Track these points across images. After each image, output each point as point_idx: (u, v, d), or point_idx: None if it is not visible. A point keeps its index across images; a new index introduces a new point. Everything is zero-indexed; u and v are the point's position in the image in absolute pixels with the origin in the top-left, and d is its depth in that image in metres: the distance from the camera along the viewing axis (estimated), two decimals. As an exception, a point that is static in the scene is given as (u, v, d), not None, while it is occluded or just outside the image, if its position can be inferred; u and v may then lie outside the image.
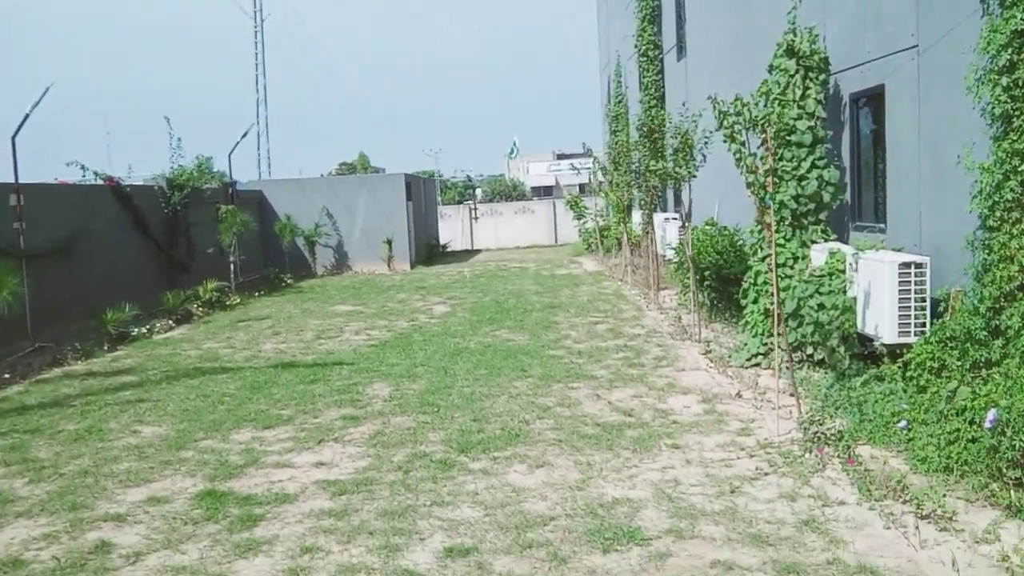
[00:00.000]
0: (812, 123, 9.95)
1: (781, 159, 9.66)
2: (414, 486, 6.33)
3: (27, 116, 13.77)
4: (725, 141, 7.24)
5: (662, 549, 5.00)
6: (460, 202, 47.63)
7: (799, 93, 10.02)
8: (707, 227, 13.78)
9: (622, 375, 9.53)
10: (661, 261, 17.47)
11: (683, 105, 11.54)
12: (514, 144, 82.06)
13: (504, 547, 5.16)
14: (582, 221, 28.24)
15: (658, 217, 18.61)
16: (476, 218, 38.11)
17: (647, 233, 20.99)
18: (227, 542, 5.49)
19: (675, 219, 18.41)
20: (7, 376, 11.06)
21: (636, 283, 17.80)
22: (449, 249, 33.41)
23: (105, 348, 13.08)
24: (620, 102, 27.56)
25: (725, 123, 7.24)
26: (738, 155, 7.18)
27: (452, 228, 36.76)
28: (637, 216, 21.48)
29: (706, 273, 11.93)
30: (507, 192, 58.26)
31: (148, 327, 14.56)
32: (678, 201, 20.51)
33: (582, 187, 68.34)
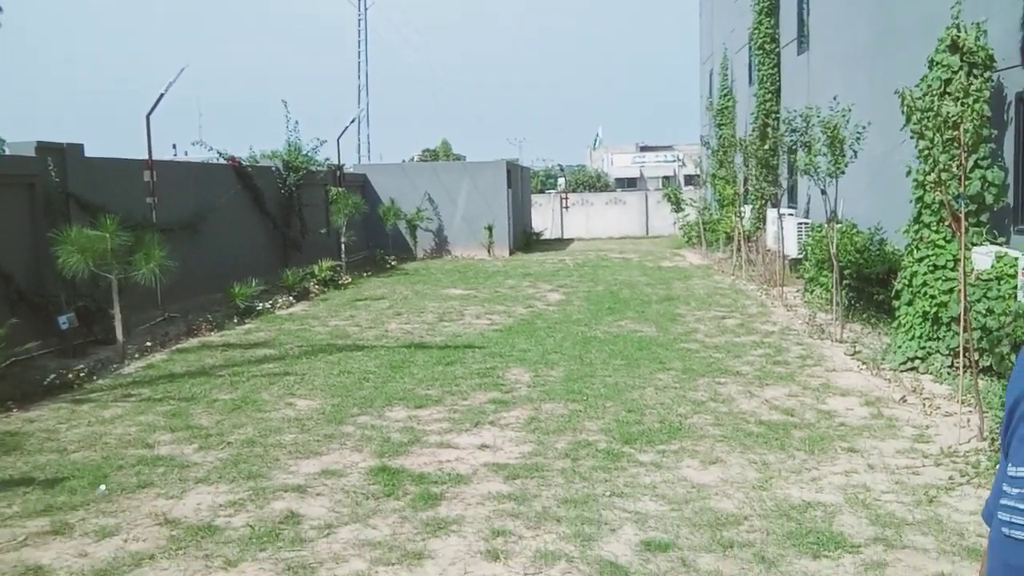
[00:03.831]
0: (977, 121, 9.52)
1: (954, 159, 9.27)
2: (587, 475, 6.24)
3: (162, 96, 14.00)
4: (912, 137, 6.94)
5: (875, 558, 4.80)
6: (542, 191, 47.39)
7: (962, 90, 9.61)
8: (836, 224, 13.34)
9: (769, 372, 9.29)
10: (776, 257, 17.06)
11: (834, 99, 11.14)
12: (598, 135, 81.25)
13: (703, 545, 5.02)
14: (683, 214, 27.84)
15: (772, 212, 18.19)
16: (567, 207, 37.95)
17: (757, 228, 20.61)
18: (415, 519, 5.48)
19: (792, 215, 17.99)
20: (148, 344, 11.35)
21: (752, 279, 17.42)
22: (543, 237, 33.31)
23: (235, 321, 13.35)
24: (726, 95, 27.02)
25: (914, 119, 6.94)
26: (926, 152, 6.88)
27: (542, 216, 36.66)
28: (747, 210, 21.06)
29: (845, 272, 11.56)
30: (591, 183, 57.71)
31: (271, 303, 14.82)
32: (792, 197, 20.04)
33: (667, 179, 67.59)
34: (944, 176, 6.76)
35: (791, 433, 7.12)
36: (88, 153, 12.29)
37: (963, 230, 6.80)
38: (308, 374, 9.61)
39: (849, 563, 4.75)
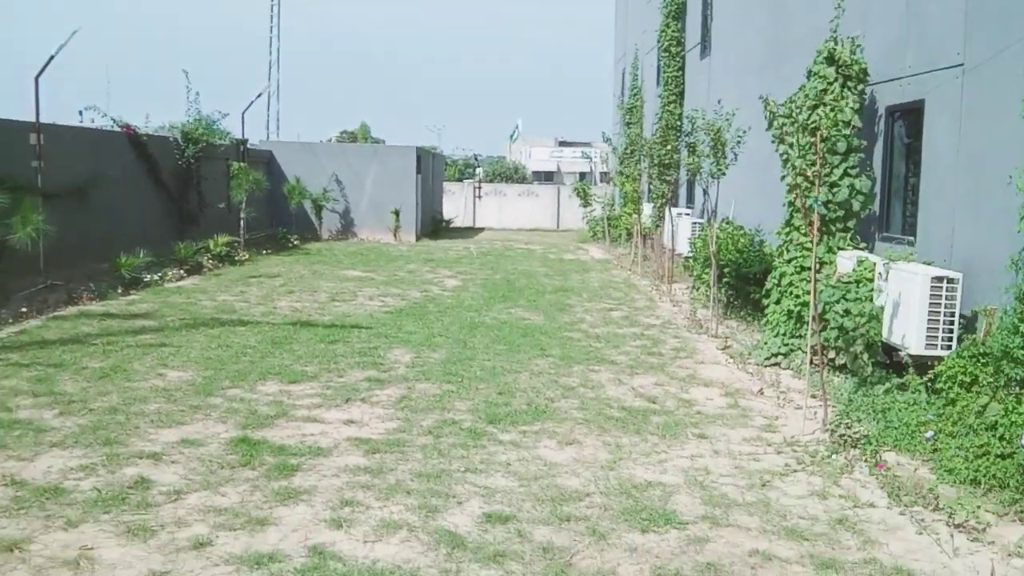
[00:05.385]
0: (847, 132, 10.01)
1: (813, 164, 9.72)
2: (446, 451, 6.40)
3: (52, 57, 13.64)
4: (773, 142, 7.29)
5: (699, 534, 5.09)
6: (460, 180, 47.42)
7: (836, 101, 10.08)
8: (725, 225, 13.88)
9: (642, 362, 9.62)
10: (670, 254, 17.55)
11: (718, 103, 11.55)
12: (517, 127, 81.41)
13: (542, 518, 5.24)
14: (589, 209, 28.30)
15: (670, 211, 18.68)
16: (480, 196, 38.10)
17: (657, 226, 21.11)
18: (266, 488, 5.55)
19: (688, 214, 18.52)
20: (24, 310, 11.04)
21: (646, 274, 17.89)
22: (453, 225, 33.38)
23: (119, 291, 13.07)
24: (635, 95, 27.55)
25: (775, 124, 7.29)
26: (785, 157, 7.25)
27: (455, 205, 36.73)
28: (648, 208, 21.56)
29: (725, 270, 12.02)
30: (508, 174, 57.90)
31: (160, 275, 14.56)
32: (690, 197, 20.61)
33: (583, 175, 68.29)
34: (800, 180, 7.13)
35: (649, 419, 7.42)
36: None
37: (816, 233, 7.17)
38: (185, 346, 9.52)
39: (674, 538, 5.02)
